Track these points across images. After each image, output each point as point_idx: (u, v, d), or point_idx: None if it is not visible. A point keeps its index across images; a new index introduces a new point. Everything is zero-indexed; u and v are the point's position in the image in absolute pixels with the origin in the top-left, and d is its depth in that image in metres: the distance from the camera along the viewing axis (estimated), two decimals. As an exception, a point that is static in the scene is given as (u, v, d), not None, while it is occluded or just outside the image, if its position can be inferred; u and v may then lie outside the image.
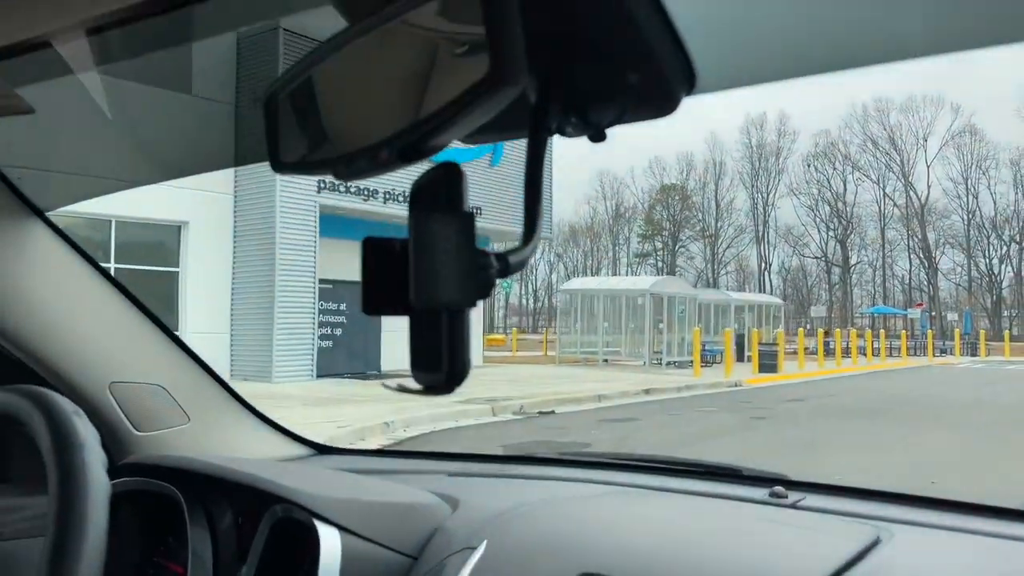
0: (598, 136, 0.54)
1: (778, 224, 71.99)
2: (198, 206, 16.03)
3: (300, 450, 1.87)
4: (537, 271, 75.43)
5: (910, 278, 68.66)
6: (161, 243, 16.45)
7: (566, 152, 69.29)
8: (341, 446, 2.09)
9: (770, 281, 71.51)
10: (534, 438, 10.10)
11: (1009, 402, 15.95)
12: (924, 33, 0.55)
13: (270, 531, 1.32)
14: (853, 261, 70.18)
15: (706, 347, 24.35)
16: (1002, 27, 0.53)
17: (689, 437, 10.46)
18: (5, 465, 1.50)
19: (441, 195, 0.46)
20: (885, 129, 67.71)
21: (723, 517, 1.32)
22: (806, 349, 28.54)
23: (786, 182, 70.95)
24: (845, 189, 69.18)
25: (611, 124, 0.53)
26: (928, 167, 66.58)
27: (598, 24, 0.50)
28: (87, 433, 1.00)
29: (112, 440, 1.57)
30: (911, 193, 66.87)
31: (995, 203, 64.57)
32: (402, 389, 0.48)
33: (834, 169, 69.35)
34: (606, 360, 25.38)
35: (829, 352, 28.74)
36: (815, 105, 75.49)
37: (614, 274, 61.99)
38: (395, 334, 17.18)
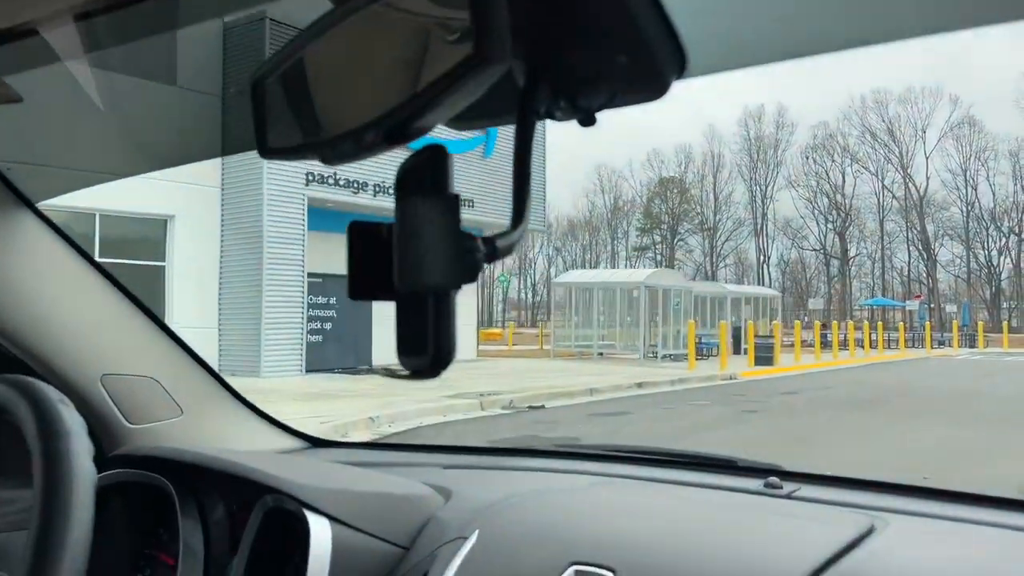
0: (588, 120, 0.53)
1: (776, 217, 72.10)
2: (185, 199, 15.90)
3: (294, 443, 1.86)
4: (536, 265, 75.64)
5: (909, 270, 68.87)
6: (147, 237, 16.31)
7: (564, 146, 69.44)
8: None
9: (769, 274, 71.69)
10: (522, 433, 10.06)
11: (1007, 393, 15.98)
12: (917, 12, 0.54)
13: (261, 522, 1.32)
14: (852, 253, 70.26)
15: (702, 340, 24.35)
16: (996, 5, 0.52)
17: (681, 430, 10.47)
18: None
19: (427, 178, 0.46)
20: (883, 121, 67.79)
21: (717, 507, 1.32)
22: (804, 342, 28.58)
23: (784, 174, 71.03)
24: (844, 181, 69.34)
25: (601, 108, 0.52)
26: (927, 159, 66.80)
27: (587, 6, 0.49)
28: (73, 421, 0.99)
29: (104, 432, 1.57)
30: (910, 185, 67.01)
31: (994, 194, 64.84)
32: (389, 373, 0.48)
33: (832, 161, 69.46)
34: (601, 353, 25.38)
35: (827, 344, 28.78)
36: (813, 97, 75.73)
37: (613, 268, 61.97)
38: (387, 328, 17.07)
